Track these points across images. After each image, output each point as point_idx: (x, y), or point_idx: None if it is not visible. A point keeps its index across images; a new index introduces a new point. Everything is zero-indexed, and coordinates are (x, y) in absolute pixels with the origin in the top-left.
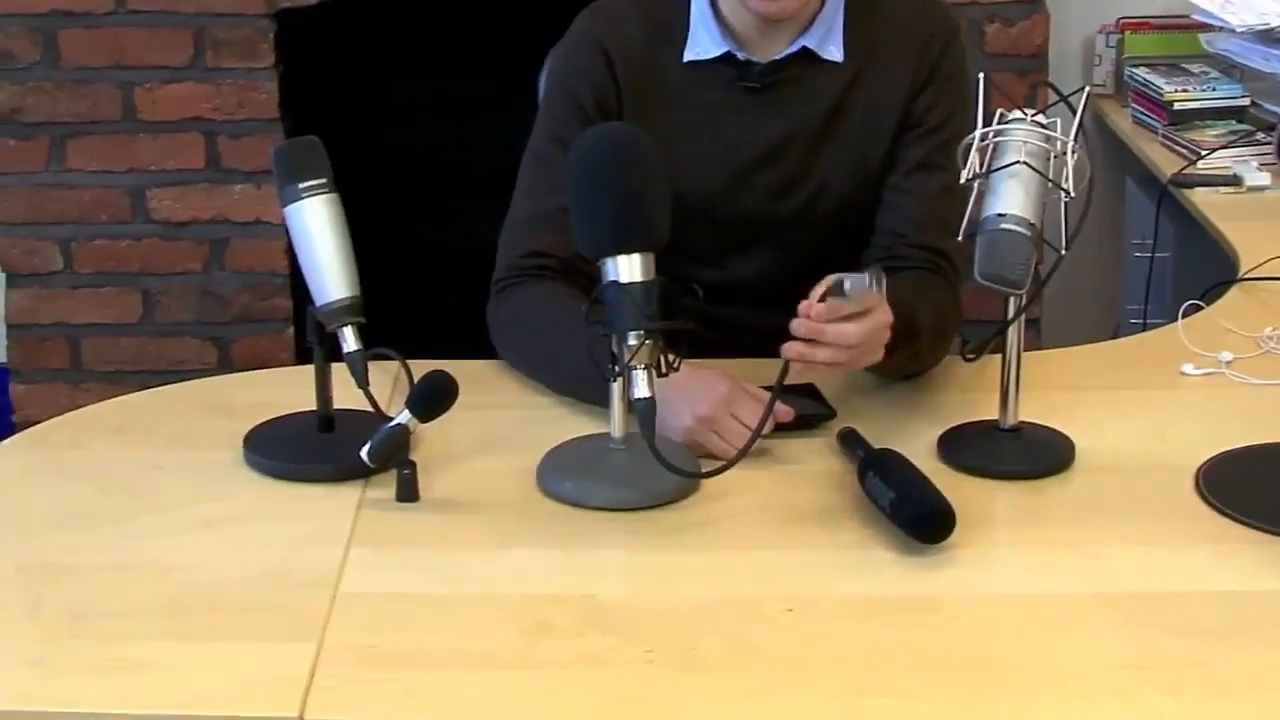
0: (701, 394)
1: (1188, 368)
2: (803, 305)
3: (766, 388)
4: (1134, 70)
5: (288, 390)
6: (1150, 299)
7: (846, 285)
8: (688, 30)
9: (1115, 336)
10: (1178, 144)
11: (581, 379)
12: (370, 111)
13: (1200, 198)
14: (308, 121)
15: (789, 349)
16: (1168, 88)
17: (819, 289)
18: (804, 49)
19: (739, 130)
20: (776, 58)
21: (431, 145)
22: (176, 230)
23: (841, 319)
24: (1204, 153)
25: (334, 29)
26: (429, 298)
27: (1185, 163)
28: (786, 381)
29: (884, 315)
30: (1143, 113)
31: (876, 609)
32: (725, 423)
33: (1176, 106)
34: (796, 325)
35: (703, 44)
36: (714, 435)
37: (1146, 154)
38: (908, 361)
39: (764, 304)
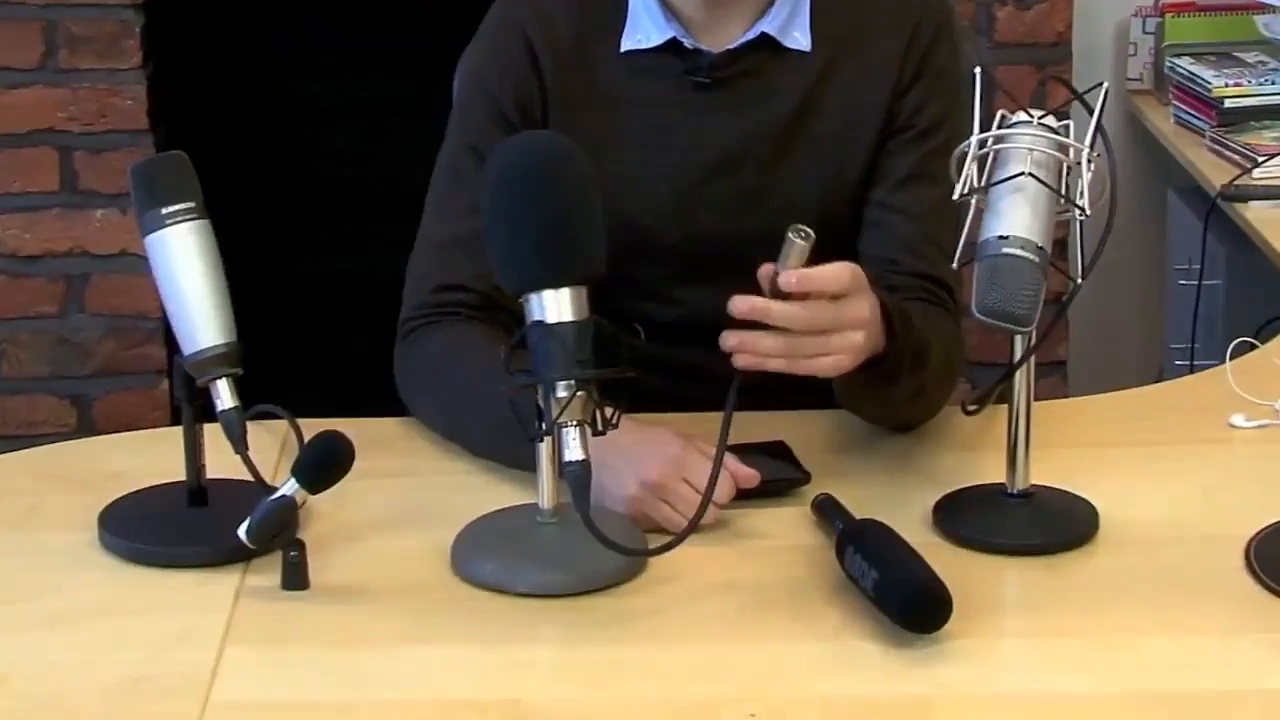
0: (647, 455)
1: (1238, 419)
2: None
3: (728, 447)
4: (1176, 61)
5: (153, 457)
6: (1198, 334)
7: (779, 268)
8: (625, 14)
9: (1160, 380)
10: (1229, 149)
11: (504, 439)
12: (261, 120)
13: (1256, 213)
14: (183, 133)
15: (726, 338)
16: (1217, 81)
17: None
18: (764, 35)
19: (688, 134)
20: (731, 46)
21: (337, 159)
22: (26, 265)
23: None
24: (1260, 159)
25: (214, 21)
26: (335, 341)
27: (1238, 171)
28: (756, 441)
29: (859, 306)
30: (1187, 112)
31: (859, 712)
32: (676, 489)
33: (1227, 104)
34: (734, 303)
35: (644, 30)
36: (663, 505)
37: (1192, 161)
38: (912, 398)
39: (719, 344)
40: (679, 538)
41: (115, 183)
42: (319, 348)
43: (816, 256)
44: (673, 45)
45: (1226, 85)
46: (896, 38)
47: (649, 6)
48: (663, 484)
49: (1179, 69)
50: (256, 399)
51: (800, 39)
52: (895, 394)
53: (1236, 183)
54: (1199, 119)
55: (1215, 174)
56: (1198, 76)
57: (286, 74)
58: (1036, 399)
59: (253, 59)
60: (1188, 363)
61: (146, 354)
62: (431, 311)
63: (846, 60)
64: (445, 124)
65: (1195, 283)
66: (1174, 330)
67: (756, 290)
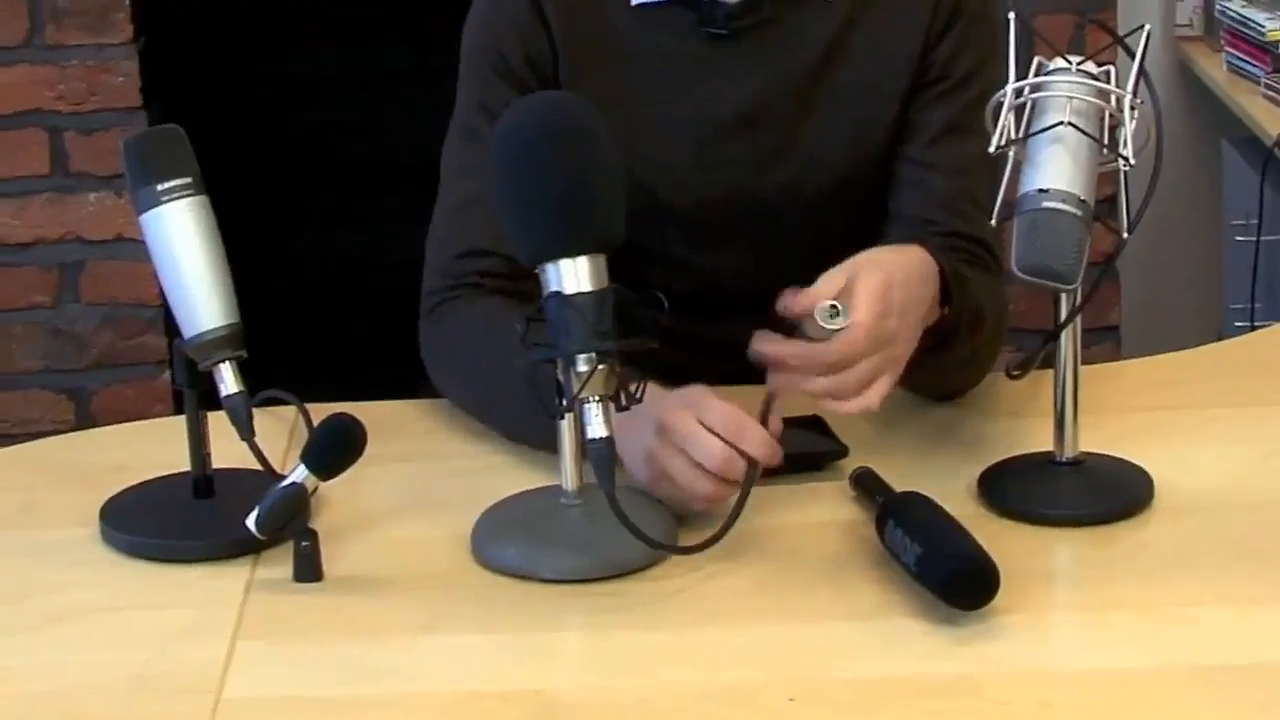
0: (663, 402)
1: None
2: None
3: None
4: (1228, 4)
5: (155, 447)
6: (1259, 293)
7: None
8: None
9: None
10: None
11: (529, 420)
12: (258, 94)
13: None
14: (177, 109)
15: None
16: (1271, 25)
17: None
18: None
19: (704, 89)
20: None
21: (336, 133)
22: (17, 254)
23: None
24: None
25: None
26: (338, 323)
27: None
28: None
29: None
30: (1240, 58)
31: (902, 694)
32: (693, 433)
33: None
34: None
35: None
36: (680, 456)
37: (1246, 110)
38: (964, 364)
39: (746, 314)
40: (714, 538)
41: (108, 164)
42: (319, 331)
43: (842, 218)
44: None
45: None
46: None
47: None
48: (675, 426)
49: (1230, 12)
50: (255, 386)
51: None
52: (949, 359)
53: None
54: (1253, 65)
55: (1271, 122)
56: (1251, 20)
57: (284, 46)
58: (1088, 365)
59: (249, 32)
60: (1248, 323)
61: (146, 344)
62: (455, 284)
63: (873, 7)
64: (448, 96)
65: (1254, 238)
66: (1233, 289)
67: (776, 254)
